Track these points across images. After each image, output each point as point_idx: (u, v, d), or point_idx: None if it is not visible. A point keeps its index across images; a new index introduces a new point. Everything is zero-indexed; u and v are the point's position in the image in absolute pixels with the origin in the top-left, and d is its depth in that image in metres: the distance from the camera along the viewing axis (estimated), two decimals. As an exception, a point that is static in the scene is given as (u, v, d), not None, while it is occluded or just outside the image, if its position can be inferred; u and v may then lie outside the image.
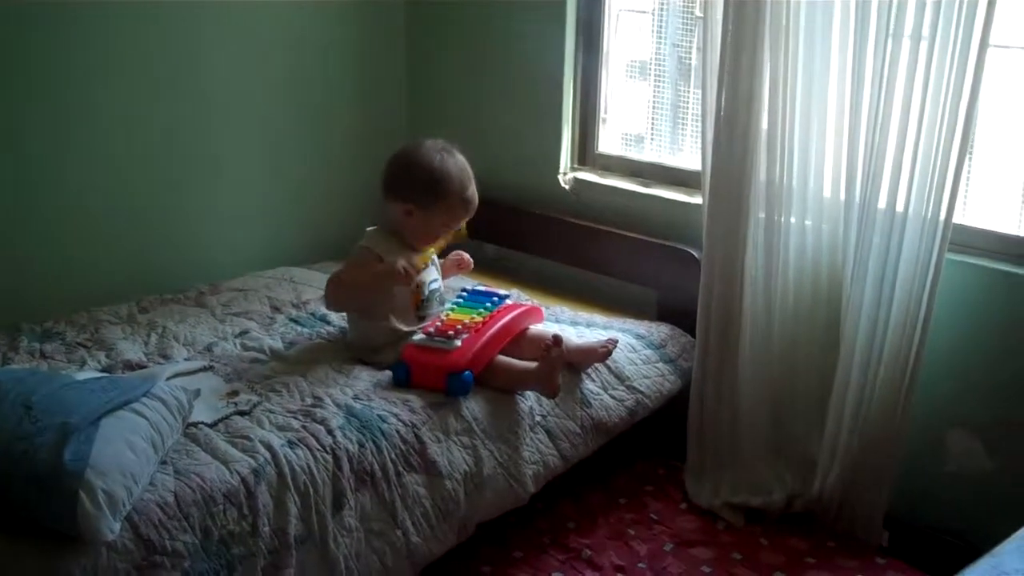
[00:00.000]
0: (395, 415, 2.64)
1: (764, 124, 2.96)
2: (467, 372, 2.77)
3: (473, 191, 3.01)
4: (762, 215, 3.02)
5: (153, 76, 3.44)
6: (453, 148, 3.03)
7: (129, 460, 2.14)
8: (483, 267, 3.93)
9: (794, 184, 2.98)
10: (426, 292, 3.00)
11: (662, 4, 3.63)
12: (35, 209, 3.23)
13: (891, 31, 2.71)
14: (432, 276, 3.06)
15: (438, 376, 2.77)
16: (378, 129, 4.15)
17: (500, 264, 3.98)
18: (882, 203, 2.80)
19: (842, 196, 2.94)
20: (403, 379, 2.79)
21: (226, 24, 3.60)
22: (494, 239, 4.00)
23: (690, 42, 3.58)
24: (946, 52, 2.63)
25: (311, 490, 2.40)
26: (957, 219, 2.78)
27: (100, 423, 2.17)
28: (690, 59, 3.60)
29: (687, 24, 3.59)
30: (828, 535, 3.06)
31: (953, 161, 2.68)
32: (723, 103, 3.00)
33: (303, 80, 3.88)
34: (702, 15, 3.17)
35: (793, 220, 3.01)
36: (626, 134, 3.84)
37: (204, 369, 2.83)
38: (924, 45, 2.66)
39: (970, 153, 2.84)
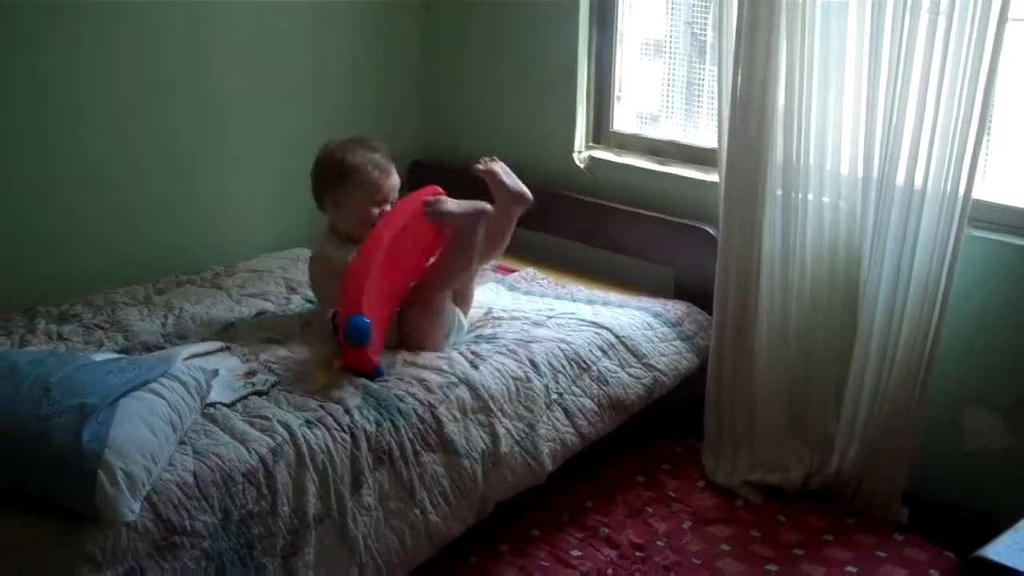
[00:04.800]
0: (412, 394, 2.64)
1: (781, 101, 2.95)
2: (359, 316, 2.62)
3: (380, 158, 2.97)
4: (779, 192, 3.01)
5: (168, 66, 3.45)
6: (361, 137, 3.03)
7: (148, 440, 2.15)
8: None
9: (811, 161, 2.97)
10: None
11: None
12: (52, 192, 3.24)
13: (908, 5, 2.69)
14: None
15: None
16: (393, 111, 4.16)
17: (514, 243, 3.96)
18: (900, 179, 2.78)
19: (860, 173, 2.92)
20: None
21: (245, 18, 3.62)
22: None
23: (705, 19, 3.56)
24: (964, 26, 2.61)
25: (329, 469, 2.40)
26: (976, 194, 2.76)
27: (119, 404, 2.17)
28: (705, 36, 3.58)
29: (702, 1, 3.57)
30: (846, 512, 3.05)
31: (972, 136, 2.67)
32: (739, 81, 2.98)
33: (318, 62, 3.87)
34: (718, -9, 3.14)
35: (811, 197, 2.99)
36: (641, 112, 3.82)
37: (221, 350, 2.83)
38: (942, 19, 2.65)
39: (989, 128, 2.82)
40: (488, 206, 2.90)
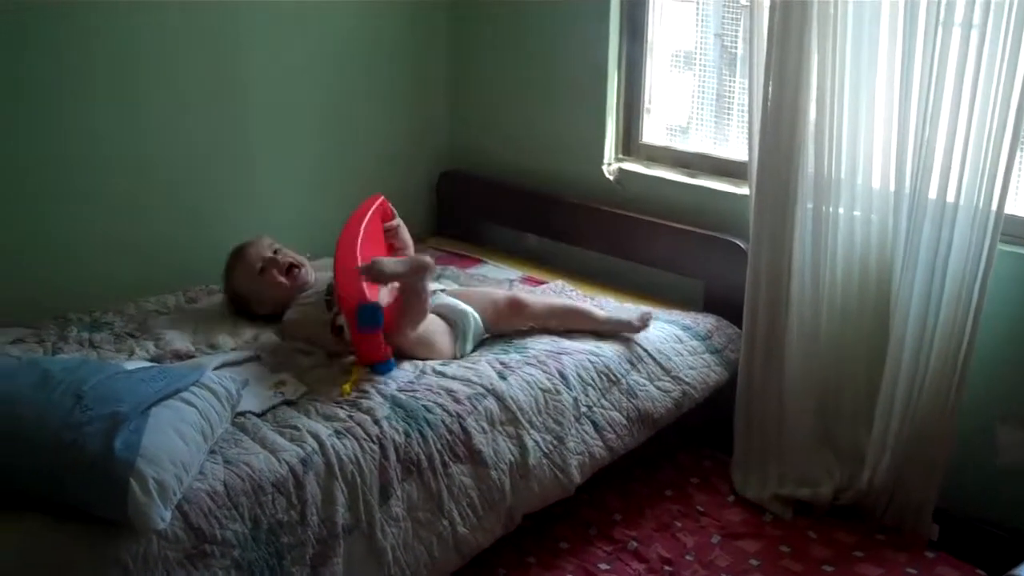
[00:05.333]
0: (440, 405, 2.64)
1: (812, 114, 2.94)
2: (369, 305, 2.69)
3: (239, 253, 3.18)
4: (810, 206, 2.99)
5: (198, 73, 3.46)
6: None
7: (179, 449, 2.16)
8: (526, 257, 3.94)
9: (842, 175, 2.96)
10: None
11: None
12: (83, 202, 3.25)
13: (941, 19, 2.67)
14: None
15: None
16: (422, 122, 4.17)
17: (543, 255, 3.97)
18: (932, 193, 2.77)
19: (891, 187, 2.91)
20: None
21: (270, 23, 3.61)
22: (538, 230, 3.99)
23: (736, 32, 3.55)
24: (997, 40, 2.60)
25: (358, 480, 2.41)
26: (1009, 209, 2.74)
27: (150, 412, 2.18)
28: (736, 48, 3.57)
29: (732, 13, 3.56)
30: (877, 528, 3.03)
31: (1005, 150, 2.65)
32: (770, 93, 2.98)
33: (347, 75, 3.88)
34: (748, 3, 3.14)
35: (841, 211, 2.98)
36: (671, 124, 3.82)
37: (251, 359, 2.84)
38: (975, 33, 2.63)
39: (1022, 142, 2.79)
40: (428, 260, 2.83)
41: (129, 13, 3.25)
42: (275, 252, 3.16)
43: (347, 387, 2.68)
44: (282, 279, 3.11)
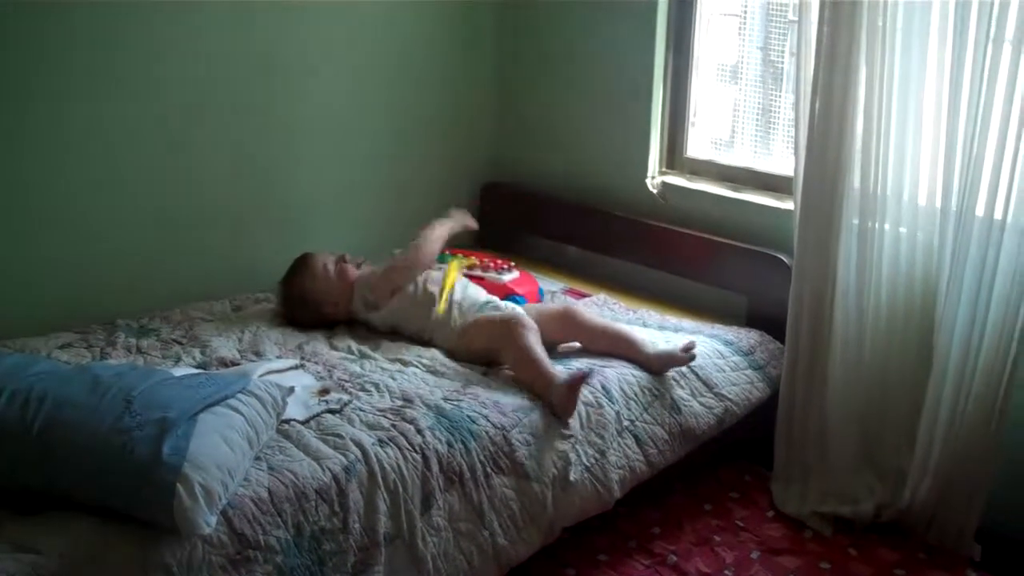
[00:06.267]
0: (485, 416, 2.65)
1: (859, 130, 2.93)
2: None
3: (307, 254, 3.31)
4: (855, 222, 2.98)
5: (244, 83, 3.49)
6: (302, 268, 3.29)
7: (225, 455, 2.18)
8: (568, 269, 3.95)
9: (888, 191, 2.94)
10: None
11: (746, 7, 3.63)
12: (132, 209, 3.29)
13: (991, 36, 2.66)
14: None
15: None
16: (465, 135, 4.19)
17: (586, 267, 3.97)
18: (980, 211, 2.75)
19: (938, 204, 2.89)
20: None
21: (316, 33, 3.64)
22: (581, 242, 3.99)
23: (783, 46, 3.55)
24: (1048, 57, 2.58)
25: (400, 489, 2.42)
26: (1057, 228, 2.72)
27: (198, 418, 2.21)
28: (782, 63, 3.57)
29: (777, 27, 3.56)
30: (918, 547, 3.01)
31: (1054, 168, 2.63)
32: (817, 108, 2.97)
33: (391, 88, 3.90)
34: (796, 18, 3.14)
35: (887, 227, 2.97)
36: (716, 138, 3.81)
37: (296, 367, 2.87)
38: (1026, 50, 2.62)
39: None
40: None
41: (178, 18, 3.28)
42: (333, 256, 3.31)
43: (441, 306, 3.10)
44: (355, 269, 3.25)
